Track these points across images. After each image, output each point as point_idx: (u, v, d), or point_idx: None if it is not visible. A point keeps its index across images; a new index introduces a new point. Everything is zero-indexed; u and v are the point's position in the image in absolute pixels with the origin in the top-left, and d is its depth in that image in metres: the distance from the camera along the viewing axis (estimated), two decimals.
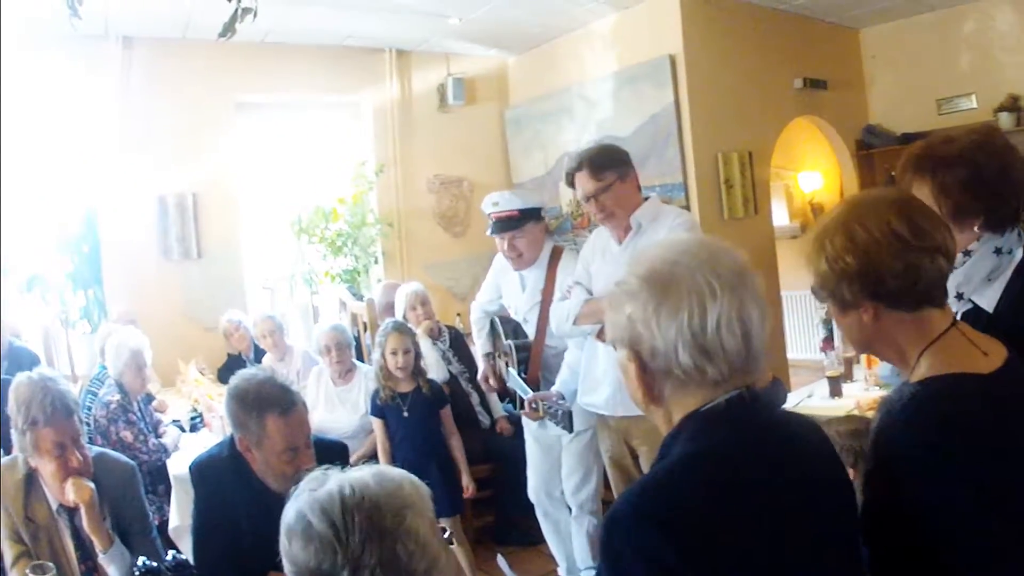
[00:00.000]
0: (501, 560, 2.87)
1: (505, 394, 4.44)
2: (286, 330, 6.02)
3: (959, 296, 1.97)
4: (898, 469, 1.51)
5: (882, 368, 4.47)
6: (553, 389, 3.96)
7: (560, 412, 3.78)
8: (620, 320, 1.43)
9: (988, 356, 1.58)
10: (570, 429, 3.83)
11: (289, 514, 1.46)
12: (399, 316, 5.40)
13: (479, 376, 4.81)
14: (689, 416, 1.40)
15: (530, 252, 4.19)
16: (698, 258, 1.39)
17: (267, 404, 2.67)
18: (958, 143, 1.96)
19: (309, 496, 1.45)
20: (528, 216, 4.14)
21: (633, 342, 1.41)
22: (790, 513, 1.35)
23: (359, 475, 1.48)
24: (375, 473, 1.49)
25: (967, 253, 1.95)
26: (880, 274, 1.54)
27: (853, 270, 1.56)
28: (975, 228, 1.95)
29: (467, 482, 4.46)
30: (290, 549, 1.43)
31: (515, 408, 4.20)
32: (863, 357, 4.76)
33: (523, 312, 4.33)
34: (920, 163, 1.98)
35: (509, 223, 4.12)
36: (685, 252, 1.41)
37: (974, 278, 1.96)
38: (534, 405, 3.93)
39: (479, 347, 4.74)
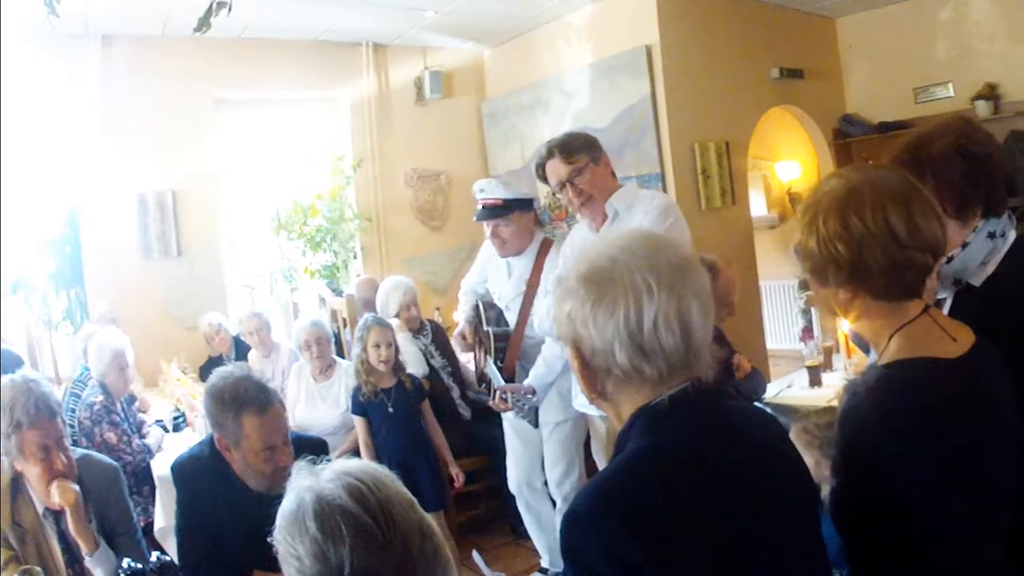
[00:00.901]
0: (476, 556, 2.90)
1: (482, 379, 4.46)
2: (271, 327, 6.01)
3: (956, 282, 1.99)
4: (869, 456, 1.53)
5: (871, 359, 4.50)
6: (526, 382, 3.97)
7: (527, 407, 3.79)
8: (562, 317, 1.44)
9: (957, 341, 1.60)
10: (535, 424, 3.85)
11: (314, 514, 1.30)
12: (391, 315, 5.37)
13: (455, 334, 4.78)
14: (638, 412, 1.41)
15: (513, 241, 4.19)
16: (637, 255, 1.38)
17: (243, 403, 2.68)
18: (946, 137, 1.97)
19: (329, 491, 1.32)
20: (513, 206, 4.14)
21: (575, 340, 1.42)
22: (746, 503, 1.36)
23: (361, 466, 1.41)
24: (372, 468, 1.42)
25: (964, 246, 1.97)
26: (868, 268, 1.55)
27: (843, 258, 1.56)
28: (976, 216, 1.97)
29: (455, 471, 4.46)
30: (328, 552, 1.27)
31: (488, 396, 4.21)
32: (843, 346, 4.80)
33: (507, 300, 4.33)
34: (917, 164, 1.95)
35: (493, 211, 4.13)
36: (625, 249, 1.41)
37: (971, 265, 1.97)
38: (504, 396, 3.94)
39: (461, 312, 4.70)
